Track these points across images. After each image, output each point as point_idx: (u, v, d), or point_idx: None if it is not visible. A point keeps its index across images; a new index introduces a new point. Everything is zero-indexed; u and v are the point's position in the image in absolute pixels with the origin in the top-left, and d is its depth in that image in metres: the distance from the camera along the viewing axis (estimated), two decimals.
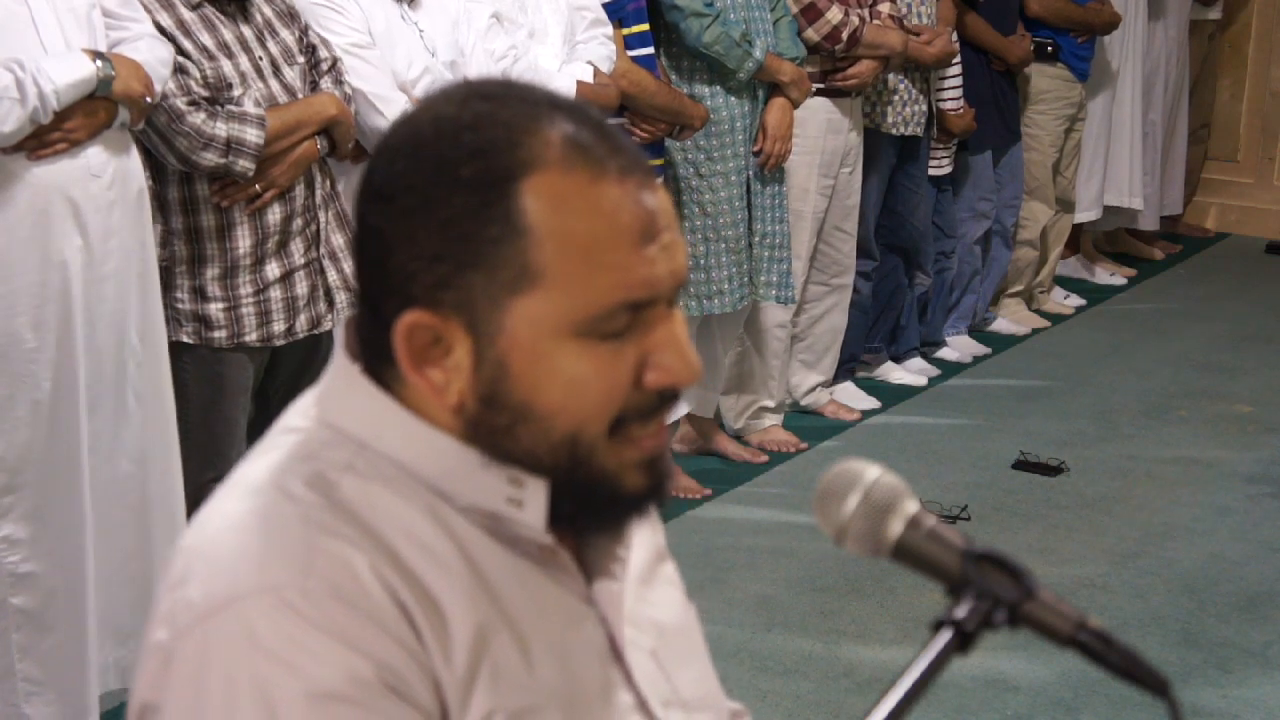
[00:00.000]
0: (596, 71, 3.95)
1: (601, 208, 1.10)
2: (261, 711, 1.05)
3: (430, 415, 1.14)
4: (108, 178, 2.90)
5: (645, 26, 4.30)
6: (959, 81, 5.66)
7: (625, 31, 4.23)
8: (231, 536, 1.12)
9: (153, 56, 2.94)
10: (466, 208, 1.09)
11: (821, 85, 4.84)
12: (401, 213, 1.10)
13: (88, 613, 2.98)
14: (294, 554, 1.09)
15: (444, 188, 1.09)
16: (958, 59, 5.61)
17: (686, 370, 1.14)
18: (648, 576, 1.30)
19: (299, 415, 1.21)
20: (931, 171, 5.67)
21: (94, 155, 2.88)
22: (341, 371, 1.19)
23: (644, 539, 1.31)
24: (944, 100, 5.62)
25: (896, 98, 5.26)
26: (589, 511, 1.17)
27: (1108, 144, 6.85)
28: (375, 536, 1.11)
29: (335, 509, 1.12)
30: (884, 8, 5.04)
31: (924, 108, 5.38)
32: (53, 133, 2.81)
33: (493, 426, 1.13)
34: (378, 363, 1.16)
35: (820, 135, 4.91)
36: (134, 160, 2.99)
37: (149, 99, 2.92)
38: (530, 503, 1.15)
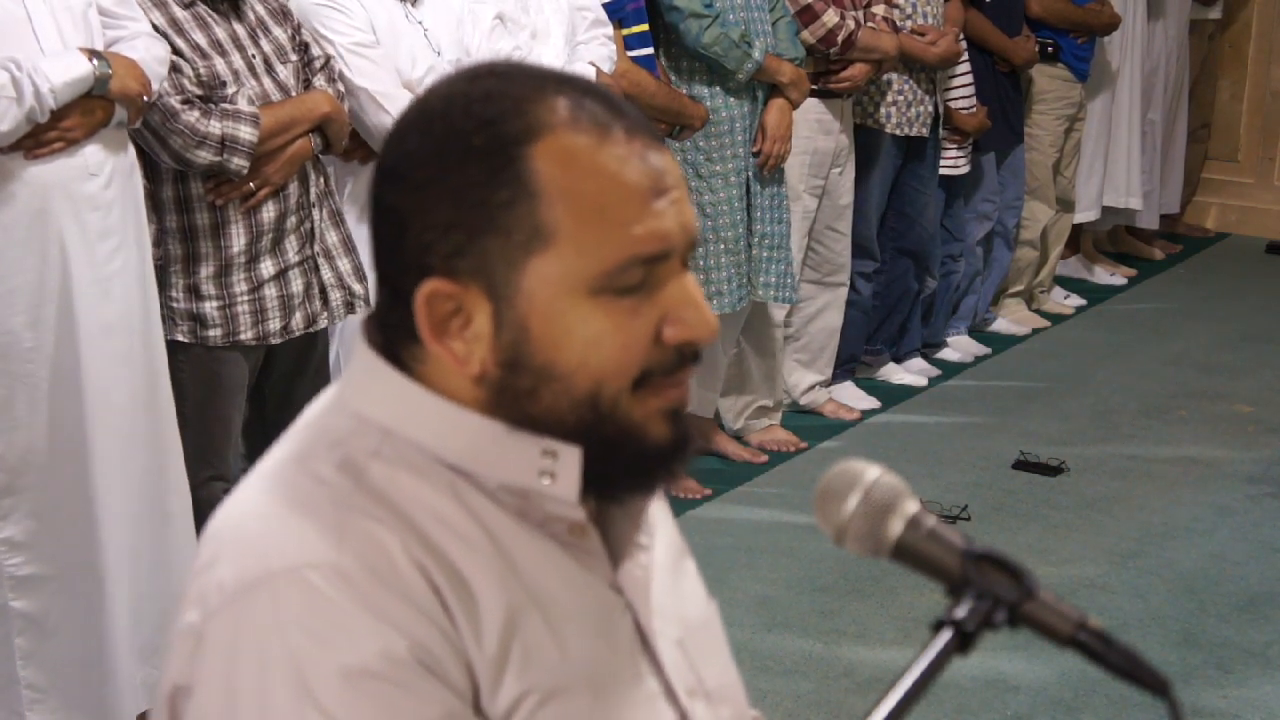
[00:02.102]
0: (598, 72, 3.95)
1: (609, 166, 1.12)
2: (295, 689, 1.05)
3: (453, 390, 1.15)
4: (105, 176, 2.90)
5: (645, 27, 4.30)
6: (970, 80, 5.66)
7: (625, 32, 4.23)
8: (262, 518, 1.13)
9: (149, 55, 2.94)
10: (478, 175, 1.11)
11: (814, 87, 4.84)
12: (415, 187, 1.12)
13: (106, 619, 2.97)
14: (326, 532, 1.10)
15: (455, 158, 1.12)
16: (965, 58, 5.62)
17: (704, 326, 1.15)
18: (674, 569, 1.30)
19: (323, 406, 1.22)
20: (947, 171, 5.67)
21: (91, 154, 2.88)
22: (363, 361, 1.19)
23: (666, 532, 1.32)
24: (956, 100, 5.62)
25: (901, 98, 5.25)
26: (617, 469, 1.16)
27: (1107, 144, 6.85)
28: (405, 519, 1.12)
29: (365, 492, 1.13)
30: (878, 10, 5.03)
31: (930, 108, 5.37)
32: (50, 132, 2.81)
33: (516, 390, 1.13)
34: (399, 344, 1.17)
35: (810, 136, 4.91)
36: (131, 159, 2.99)
37: (146, 98, 2.92)
38: (563, 474, 1.15)
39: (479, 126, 1.11)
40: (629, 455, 1.16)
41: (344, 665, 1.05)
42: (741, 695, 1.35)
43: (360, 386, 1.19)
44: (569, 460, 1.15)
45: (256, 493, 1.16)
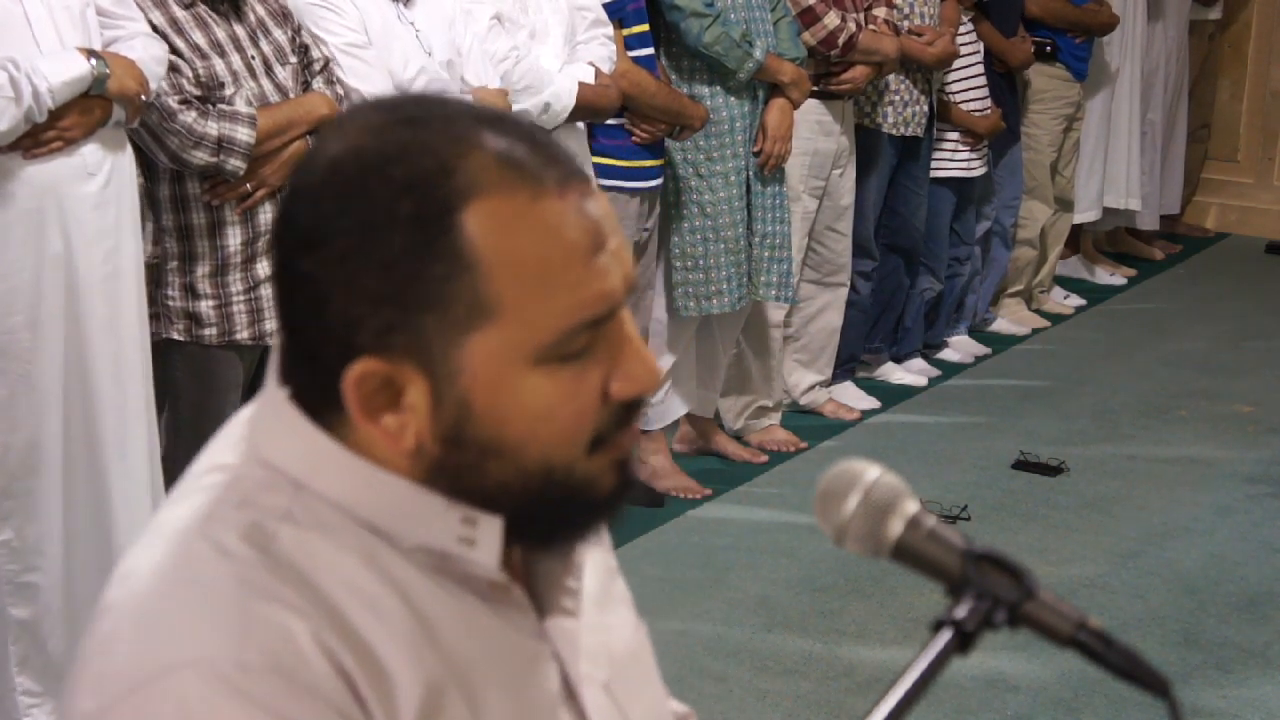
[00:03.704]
0: (598, 72, 3.95)
1: (547, 226, 1.04)
2: None
3: (381, 459, 1.08)
4: (103, 176, 2.90)
5: (645, 27, 4.30)
6: (983, 81, 5.66)
7: (625, 32, 4.23)
8: (162, 597, 1.05)
9: (147, 55, 2.94)
10: (408, 247, 1.02)
11: (815, 88, 4.84)
12: (336, 258, 1.03)
13: None
14: (229, 621, 1.02)
15: (381, 228, 1.03)
16: (977, 60, 5.62)
17: (650, 376, 1.10)
18: (602, 599, 1.25)
19: (229, 449, 1.14)
20: (960, 173, 5.68)
21: (89, 154, 2.88)
22: (274, 404, 1.11)
23: (595, 562, 1.26)
24: (969, 102, 5.63)
25: (897, 98, 5.26)
26: (556, 524, 1.12)
27: (1106, 144, 6.85)
28: (317, 597, 1.04)
29: (273, 566, 1.05)
30: (879, 12, 5.04)
31: (925, 108, 5.38)
32: (48, 131, 2.80)
33: (459, 465, 1.07)
34: (318, 405, 1.09)
35: (811, 137, 4.91)
36: (129, 158, 2.99)
37: (144, 97, 2.92)
38: (483, 541, 1.09)
39: (402, 191, 1.03)
40: (574, 509, 1.11)
41: None
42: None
43: (270, 433, 1.11)
44: (489, 529, 1.09)
45: (159, 561, 1.07)
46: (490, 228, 1.03)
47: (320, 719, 1.01)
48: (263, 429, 1.13)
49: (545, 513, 1.10)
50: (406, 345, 1.04)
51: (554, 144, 1.09)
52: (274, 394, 1.12)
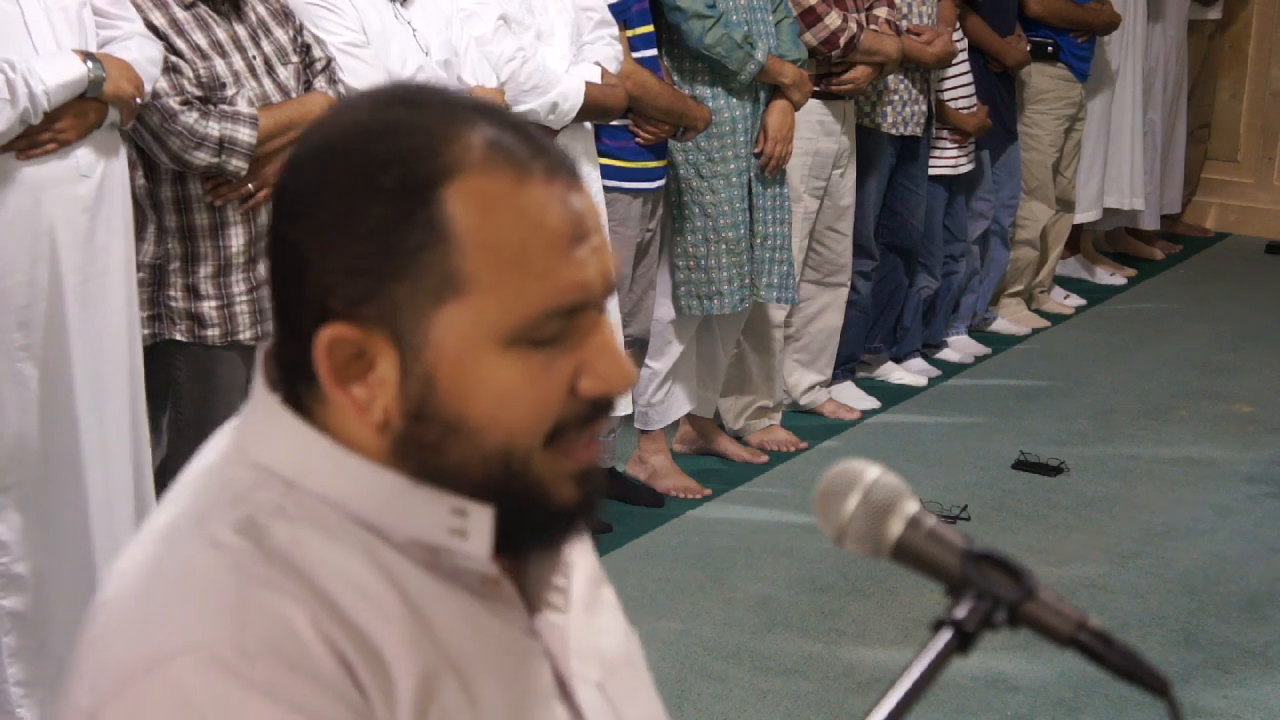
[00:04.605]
0: (604, 72, 3.95)
1: (528, 211, 1.05)
2: None
3: (354, 436, 1.09)
4: (97, 178, 2.90)
5: (649, 28, 4.30)
6: (969, 79, 5.66)
7: (629, 33, 4.23)
8: (157, 589, 1.05)
9: (143, 56, 2.94)
10: (387, 217, 1.04)
11: (816, 88, 4.84)
12: (318, 226, 1.06)
13: None
14: (226, 608, 1.02)
15: (362, 198, 1.05)
16: (964, 58, 5.62)
17: (620, 377, 1.10)
18: (590, 603, 1.25)
19: (218, 452, 1.14)
20: (948, 171, 5.68)
21: (83, 156, 2.88)
22: (262, 404, 1.12)
23: (583, 564, 1.26)
24: (956, 99, 5.63)
25: (896, 98, 5.26)
26: (523, 529, 1.12)
27: (1107, 144, 6.85)
28: (312, 586, 1.05)
29: (268, 558, 1.05)
30: (880, 12, 5.04)
31: (924, 108, 5.38)
32: (43, 133, 2.80)
33: (421, 442, 1.08)
34: (299, 387, 1.10)
35: (812, 137, 4.91)
36: (122, 161, 2.99)
37: (139, 99, 2.92)
38: (474, 533, 1.09)
39: (387, 164, 1.05)
40: (535, 515, 1.11)
41: None
42: None
43: (260, 434, 1.12)
44: (480, 519, 1.09)
45: (153, 557, 1.08)
46: (471, 206, 1.04)
47: (323, 704, 1.01)
48: (252, 431, 1.13)
49: (511, 511, 1.10)
50: (377, 314, 1.05)
51: (545, 138, 1.10)
52: (262, 396, 1.13)
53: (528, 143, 1.07)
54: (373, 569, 1.08)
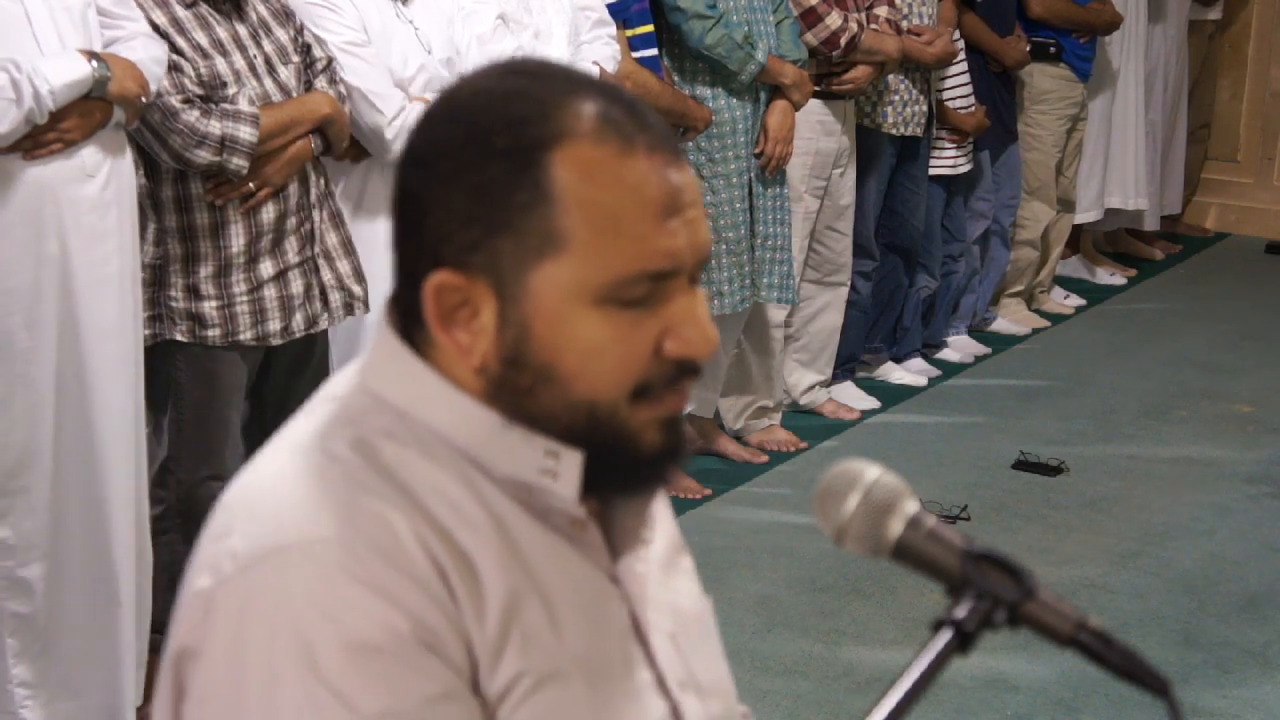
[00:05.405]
0: (602, 71, 3.95)
1: (628, 180, 1.13)
2: (300, 659, 1.08)
3: (457, 376, 1.18)
4: (102, 178, 2.90)
5: (649, 28, 4.30)
6: (967, 79, 5.66)
7: (629, 33, 4.23)
8: (276, 490, 1.16)
9: (147, 56, 2.94)
10: (499, 174, 1.13)
11: (816, 88, 4.84)
12: (438, 177, 1.15)
13: (109, 618, 2.99)
14: (337, 509, 1.13)
15: (478, 155, 1.14)
16: (961, 57, 5.62)
17: (704, 343, 1.17)
18: (668, 565, 1.32)
19: (341, 383, 1.24)
20: (946, 171, 5.68)
21: (89, 155, 2.87)
22: (383, 341, 1.22)
23: (665, 528, 1.33)
24: (954, 99, 5.63)
25: (897, 98, 5.27)
26: (611, 474, 1.19)
27: (1108, 144, 6.85)
28: (414, 500, 1.14)
29: (377, 471, 1.15)
30: (881, 12, 5.04)
31: (924, 108, 5.38)
32: (48, 133, 2.80)
33: (515, 387, 1.16)
34: (413, 330, 1.19)
35: (813, 137, 4.91)
36: (128, 160, 2.99)
37: (144, 99, 2.92)
38: (564, 474, 1.17)
39: (504, 126, 1.14)
40: (622, 460, 1.18)
41: (348, 640, 1.08)
42: (732, 690, 1.37)
43: (378, 367, 1.22)
44: (570, 462, 1.17)
45: (273, 466, 1.19)
46: (575, 170, 1.13)
47: (415, 598, 1.10)
48: (371, 365, 1.23)
49: (598, 456, 1.17)
50: (483, 264, 1.14)
51: (654, 115, 1.19)
52: (382, 332, 1.22)
53: (635, 118, 1.16)
54: (471, 495, 1.17)
